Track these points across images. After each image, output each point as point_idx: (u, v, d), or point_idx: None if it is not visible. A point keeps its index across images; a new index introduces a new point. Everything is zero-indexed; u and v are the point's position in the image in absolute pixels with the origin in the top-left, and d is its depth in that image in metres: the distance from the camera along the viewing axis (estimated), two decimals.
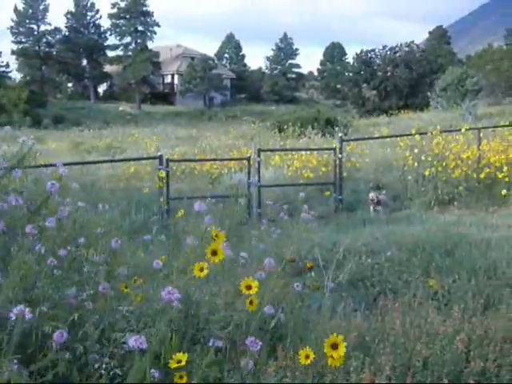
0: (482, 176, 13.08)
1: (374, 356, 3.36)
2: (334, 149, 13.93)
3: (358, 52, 69.67)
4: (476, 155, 13.81)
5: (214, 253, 3.08)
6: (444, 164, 13.58)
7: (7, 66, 65.98)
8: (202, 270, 3.03)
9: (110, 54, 71.32)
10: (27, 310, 2.11)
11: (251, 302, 3.19)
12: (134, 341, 2.24)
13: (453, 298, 5.36)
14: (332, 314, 4.34)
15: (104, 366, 2.65)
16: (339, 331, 3.75)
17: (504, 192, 12.20)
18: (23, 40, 66.69)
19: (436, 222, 10.19)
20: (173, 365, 2.61)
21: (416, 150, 14.32)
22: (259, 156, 13.24)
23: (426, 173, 13.49)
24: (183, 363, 2.61)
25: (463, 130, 14.97)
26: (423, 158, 13.95)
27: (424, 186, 13.44)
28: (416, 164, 14.14)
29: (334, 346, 2.87)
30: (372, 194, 12.60)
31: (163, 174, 11.68)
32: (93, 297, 3.32)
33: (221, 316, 3.28)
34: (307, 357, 2.91)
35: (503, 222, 10.02)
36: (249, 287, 3.16)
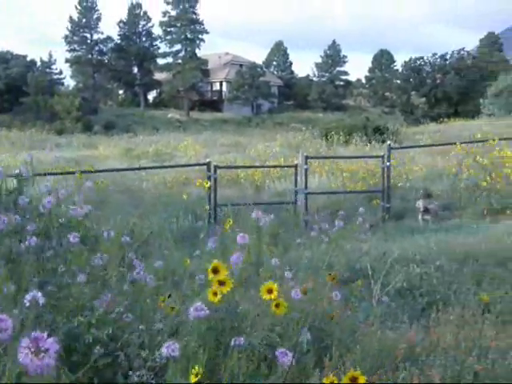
0: None
1: (422, 368, 3.29)
2: (382, 156, 13.77)
3: (407, 59, 69.07)
4: None
5: (222, 283, 2.91)
6: (497, 173, 13.26)
7: (60, 73, 67.73)
8: (215, 294, 2.89)
9: (160, 61, 72.46)
10: (40, 294, 2.11)
11: (277, 305, 3.02)
12: (166, 348, 2.28)
13: (505, 311, 5.22)
14: (380, 324, 4.27)
15: (143, 375, 2.68)
16: (387, 342, 3.70)
17: None
18: (77, 48, 68.28)
19: (488, 231, 9.95)
20: (193, 379, 2.49)
21: (467, 159, 14.04)
22: (306, 163, 13.18)
23: (483, 183, 13.19)
24: (199, 377, 2.52)
25: None
26: (475, 166, 13.66)
27: (476, 196, 13.15)
28: (467, 173, 13.85)
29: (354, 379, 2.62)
30: (419, 203, 12.40)
31: (208, 183, 11.77)
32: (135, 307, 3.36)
33: (261, 323, 3.23)
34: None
35: None
36: (270, 291, 2.99)
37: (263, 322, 3.22)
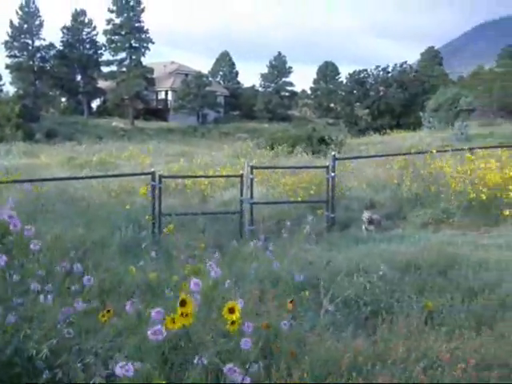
0: (480, 196, 12.85)
1: (367, 377, 3.32)
2: (327, 167, 13.90)
3: (351, 72, 70.52)
4: (469, 175, 13.78)
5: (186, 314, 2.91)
6: (438, 183, 13.59)
7: (0, 79, 65.97)
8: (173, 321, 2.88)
9: (105, 69, 71.49)
10: None
11: (233, 323, 3.04)
12: (120, 368, 2.20)
13: (446, 319, 5.32)
14: (326, 334, 4.28)
15: None
16: (333, 353, 3.71)
17: (507, 212, 12.07)
18: (17, 54, 66.67)
19: (429, 241, 10.16)
20: None
21: (410, 170, 14.35)
22: (252, 173, 13.19)
23: (421, 192, 13.50)
24: None
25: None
26: (417, 177, 13.97)
27: (417, 205, 13.44)
28: (409, 183, 14.15)
29: None
30: (366, 214, 12.57)
31: (145, 190, 11.67)
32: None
33: (212, 342, 3.20)
34: None
35: (494, 243, 10.04)
36: (232, 310, 3.01)
37: (215, 340, 3.19)
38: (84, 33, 71.53)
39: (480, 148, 16.98)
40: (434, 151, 15.07)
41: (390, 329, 4.21)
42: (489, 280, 6.89)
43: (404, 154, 15.90)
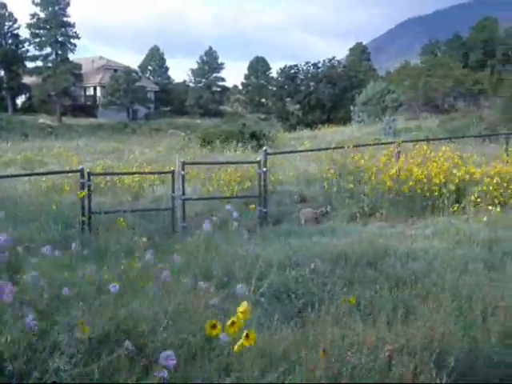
0: (404, 189, 13.23)
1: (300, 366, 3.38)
2: (259, 162, 13.96)
3: (282, 67, 71.02)
4: (396, 169, 14.13)
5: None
6: (366, 177, 13.89)
7: None
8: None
9: (30, 64, 69.21)
10: None
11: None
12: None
13: (375, 309, 5.46)
14: (257, 327, 4.32)
15: None
16: (266, 345, 3.75)
17: (456, 207, 12.46)
18: None
19: (359, 233, 10.37)
20: None
21: (339, 164, 14.61)
22: (183, 169, 13.11)
23: (350, 185, 13.77)
24: None
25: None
26: (346, 171, 14.23)
27: (347, 199, 13.68)
28: (339, 177, 14.40)
29: None
30: (308, 210, 12.80)
31: (82, 193, 11.41)
32: None
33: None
34: None
35: (421, 233, 10.35)
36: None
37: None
38: (6, 27, 68.99)
39: (407, 142, 17.48)
40: (362, 145, 15.41)
41: (319, 319, 4.29)
42: (416, 270, 7.10)
43: (334, 149, 16.15)
